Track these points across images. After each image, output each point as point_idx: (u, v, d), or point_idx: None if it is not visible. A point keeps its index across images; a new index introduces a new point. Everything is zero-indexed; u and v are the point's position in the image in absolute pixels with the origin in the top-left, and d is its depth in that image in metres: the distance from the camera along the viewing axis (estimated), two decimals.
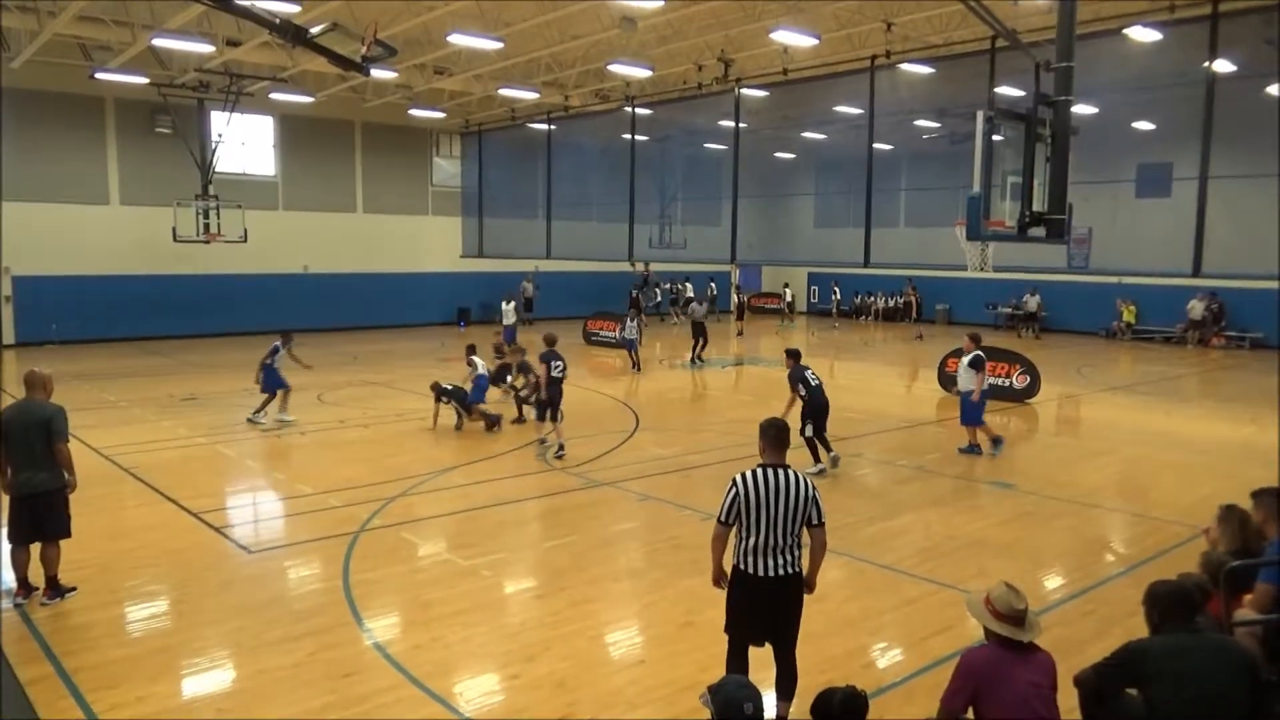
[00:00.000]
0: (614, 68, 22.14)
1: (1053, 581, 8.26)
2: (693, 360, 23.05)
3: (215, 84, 25.09)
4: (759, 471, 5.29)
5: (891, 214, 25.43)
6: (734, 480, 5.28)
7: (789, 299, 37.19)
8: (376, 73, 22.10)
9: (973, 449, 12.84)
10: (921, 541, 9.15)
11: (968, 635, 6.82)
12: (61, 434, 7.19)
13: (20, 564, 7.32)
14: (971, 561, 8.58)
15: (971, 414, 12.68)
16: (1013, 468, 12.42)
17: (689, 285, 34.76)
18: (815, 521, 5.26)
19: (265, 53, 21.96)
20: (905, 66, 19.21)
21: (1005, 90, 16.63)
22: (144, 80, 23.91)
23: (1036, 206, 10.58)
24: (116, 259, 26.38)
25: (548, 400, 12.54)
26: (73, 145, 25.55)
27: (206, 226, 25.83)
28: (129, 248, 26.51)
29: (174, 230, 25.20)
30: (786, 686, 5.39)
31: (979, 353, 12.68)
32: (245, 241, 26.44)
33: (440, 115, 29.49)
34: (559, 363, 12.65)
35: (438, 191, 32.90)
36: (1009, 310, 33.48)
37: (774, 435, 5.41)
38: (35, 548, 7.35)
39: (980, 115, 10.09)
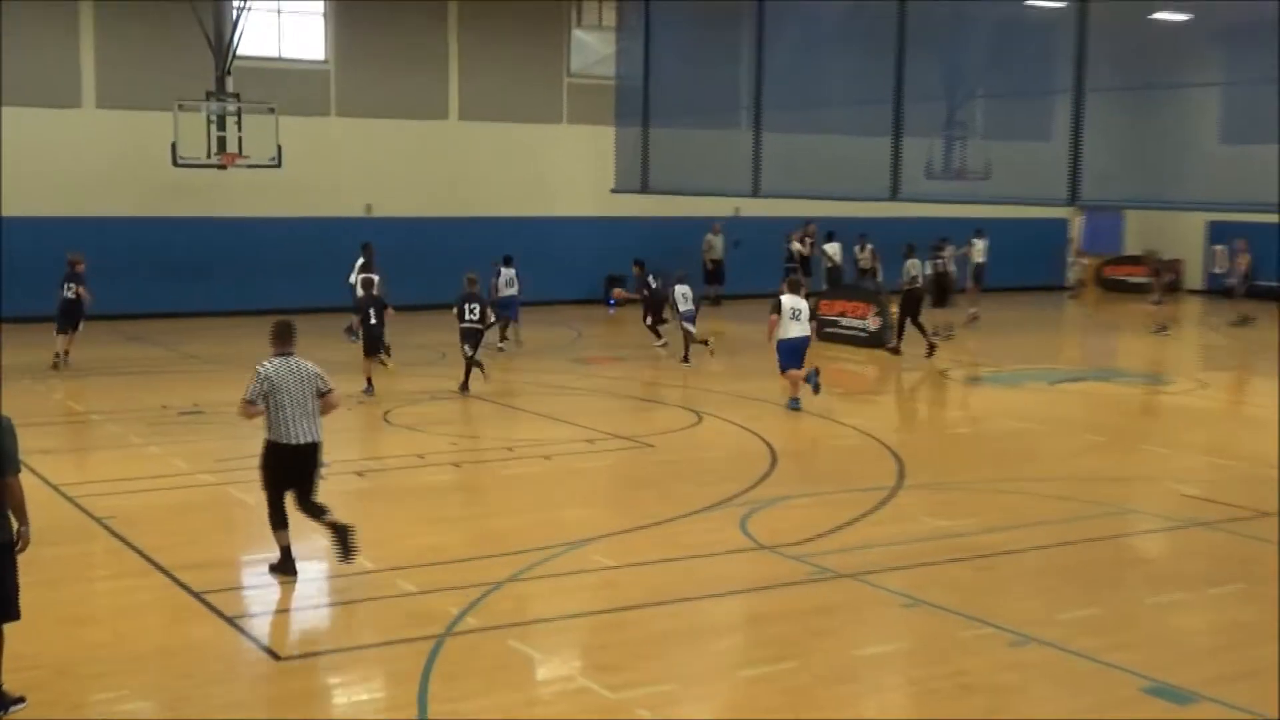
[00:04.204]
0: None
1: None
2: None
3: None
4: (275, 360, 10.42)
5: None
6: (257, 369, 10.39)
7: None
8: None
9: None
10: None
11: None
12: (11, 462, 7.72)
13: None
14: None
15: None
16: None
17: (862, 245, 33.00)
18: (325, 389, 10.57)
19: None
20: None
21: None
22: None
23: None
24: (90, 192, 28.32)
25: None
26: (28, 19, 27.49)
27: (222, 142, 27.11)
28: (108, 175, 28.40)
29: (174, 148, 26.63)
30: (318, 510, 10.70)
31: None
32: (279, 165, 27.69)
33: None
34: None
35: (577, 85, 33.56)
36: None
37: (277, 331, 10.58)
38: None
39: None
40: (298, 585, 11.20)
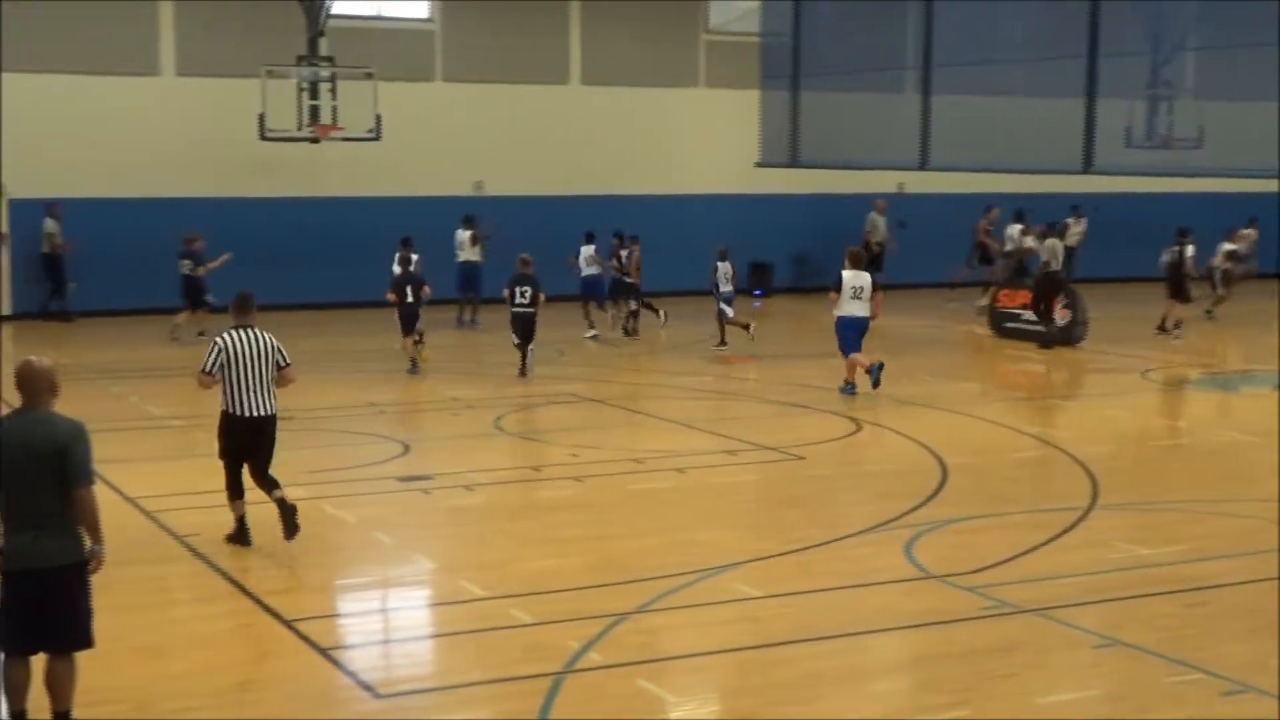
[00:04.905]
0: None
1: None
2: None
3: None
4: (234, 331, 12.02)
5: None
6: (215, 340, 12.12)
7: None
8: None
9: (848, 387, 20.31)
10: None
11: None
12: (83, 472, 7.95)
13: (17, 688, 8.15)
14: None
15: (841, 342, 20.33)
16: None
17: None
18: (284, 363, 12.21)
19: None
20: None
21: None
22: None
23: None
24: (168, 171, 29.05)
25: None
26: None
27: (315, 112, 27.60)
28: (188, 151, 29.10)
29: (262, 120, 27.17)
30: (272, 484, 12.21)
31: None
32: (378, 138, 28.12)
33: None
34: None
35: (716, 43, 33.58)
36: None
37: (237, 303, 12.40)
38: (39, 661, 8.19)
39: None
40: (399, 614, 11.44)
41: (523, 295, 21.40)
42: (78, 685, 8.19)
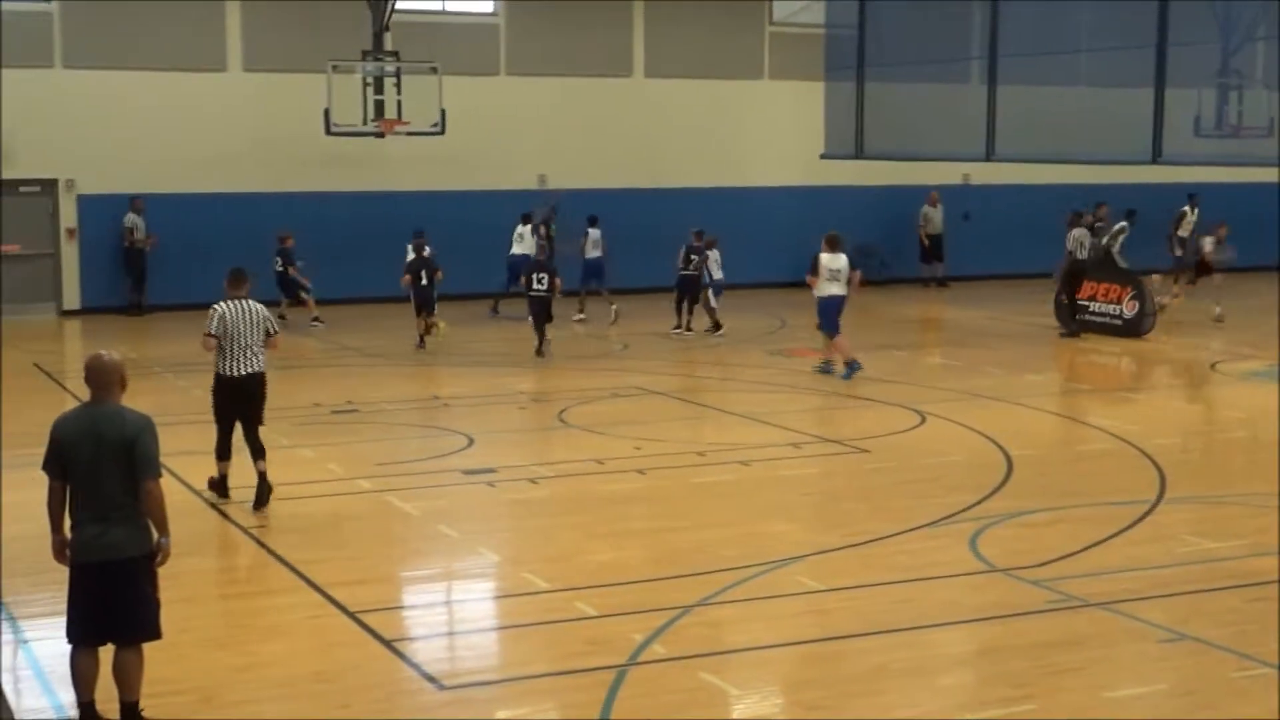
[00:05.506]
0: None
1: None
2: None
3: None
4: (230, 303, 13.35)
5: None
6: (214, 307, 13.38)
7: None
8: None
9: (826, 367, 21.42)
10: None
11: None
12: (151, 465, 8.08)
13: (85, 678, 8.27)
14: None
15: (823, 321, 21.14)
16: None
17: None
18: (273, 331, 13.61)
19: None
20: None
21: None
22: None
23: None
24: (235, 166, 29.35)
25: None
26: None
27: (380, 107, 27.92)
28: (254, 146, 29.40)
29: (327, 114, 27.52)
30: (259, 450, 13.49)
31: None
32: (442, 132, 28.37)
33: None
34: None
35: (780, 35, 33.52)
36: None
37: (231, 278, 13.63)
38: (107, 652, 8.31)
39: None
40: (463, 607, 11.54)
41: (539, 282, 22.71)
42: (145, 676, 8.32)
